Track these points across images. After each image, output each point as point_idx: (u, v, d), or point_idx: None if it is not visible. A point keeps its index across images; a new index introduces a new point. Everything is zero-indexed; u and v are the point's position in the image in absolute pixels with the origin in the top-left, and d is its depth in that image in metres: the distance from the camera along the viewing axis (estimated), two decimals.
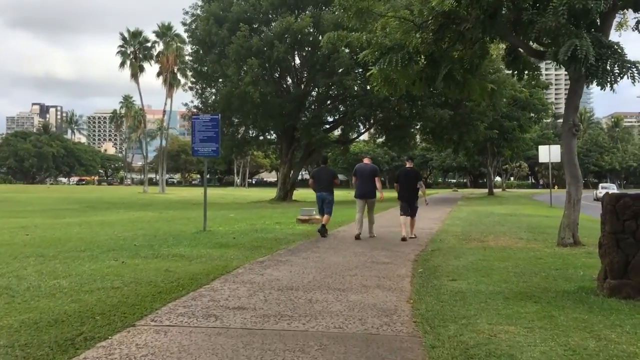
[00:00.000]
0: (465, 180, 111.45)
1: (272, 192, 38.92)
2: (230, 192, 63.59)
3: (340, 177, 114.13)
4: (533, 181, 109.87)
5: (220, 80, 30.70)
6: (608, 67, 8.31)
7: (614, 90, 8.85)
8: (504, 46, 11.97)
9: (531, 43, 10.65)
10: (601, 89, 8.55)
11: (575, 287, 6.47)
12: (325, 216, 12.32)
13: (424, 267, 8.14)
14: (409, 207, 11.86)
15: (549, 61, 11.53)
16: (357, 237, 11.53)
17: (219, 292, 6.31)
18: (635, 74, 8.27)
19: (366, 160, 12.42)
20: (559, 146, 28.22)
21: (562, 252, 9.28)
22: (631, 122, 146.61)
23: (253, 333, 4.60)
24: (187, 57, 34.34)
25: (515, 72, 11.30)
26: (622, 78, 8.37)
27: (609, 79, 8.40)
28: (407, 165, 12.45)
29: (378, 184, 11.94)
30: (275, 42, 27.39)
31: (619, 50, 8.48)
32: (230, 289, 6.44)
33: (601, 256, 6.05)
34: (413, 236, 11.91)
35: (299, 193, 43.05)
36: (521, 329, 4.64)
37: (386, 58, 11.11)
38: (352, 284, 6.79)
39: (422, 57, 11.57)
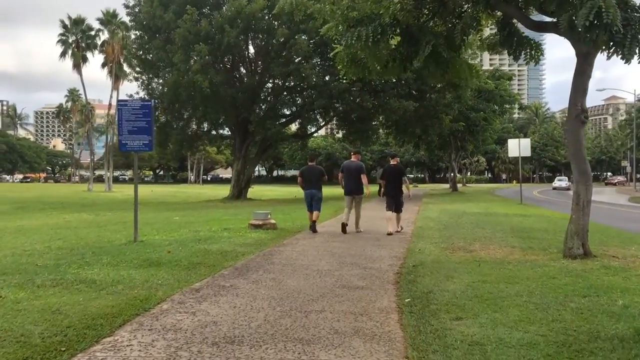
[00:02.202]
0: (423, 176, 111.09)
1: (227, 190, 36.52)
2: (183, 190, 60.68)
3: (296, 172, 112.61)
4: (490, 176, 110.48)
5: (167, 69, 28.06)
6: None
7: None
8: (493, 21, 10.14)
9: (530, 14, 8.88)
10: (625, 62, 6.82)
11: (628, 328, 4.67)
12: (315, 212, 12.52)
13: (410, 293, 6.22)
14: (395, 202, 12.15)
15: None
16: (344, 229, 12.10)
17: (121, 351, 4.22)
18: None
19: (353, 157, 12.72)
20: (529, 140, 27.00)
21: (574, 268, 7.51)
22: None
23: None
24: (130, 44, 31.32)
25: (511, 51, 9.43)
26: None
27: (638, 50, 6.66)
28: (392, 162, 12.60)
29: (364, 180, 12.27)
30: (226, 26, 25.02)
31: None
32: (141, 346, 4.36)
33: None
34: (399, 229, 12.35)
35: (254, 190, 40.82)
36: None
37: (354, 32, 9.15)
38: (320, 329, 4.80)
39: (398, 31, 9.68)
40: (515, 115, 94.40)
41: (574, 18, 6.76)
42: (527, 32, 9.40)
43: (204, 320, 5.10)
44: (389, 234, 11.76)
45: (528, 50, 9.07)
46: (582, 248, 8.14)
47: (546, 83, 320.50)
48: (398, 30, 9.70)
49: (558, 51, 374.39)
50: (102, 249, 9.58)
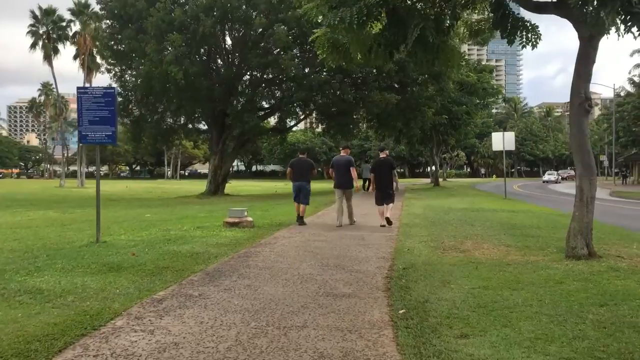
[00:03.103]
0: (402, 170, 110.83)
1: (204, 185, 35.44)
2: (159, 185, 59.31)
3: (276, 167, 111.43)
4: (469, 170, 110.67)
5: (139, 59, 26.84)
6: None
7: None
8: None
9: None
10: None
11: None
12: (302, 206, 12.68)
13: (404, 302, 5.46)
14: (384, 196, 12.23)
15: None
16: (340, 225, 12.25)
17: None
18: None
19: (343, 152, 12.99)
20: (513, 133, 26.49)
21: (581, 270, 6.83)
22: (559, 112, 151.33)
23: None
24: (101, 34, 30.00)
25: (505, 34, 8.67)
26: None
27: None
28: (382, 155, 12.71)
29: (354, 174, 12.48)
30: (201, 15, 23.95)
31: None
32: None
33: None
34: (386, 224, 12.10)
35: (232, 186, 39.88)
36: None
37: (337, 13, 8.34)
38: (302, 352, 4.02)
39: (384, 13, 8.90)
40: (494, 110, 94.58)
41: None
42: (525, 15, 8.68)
43: (163, 341, 4.27)
44: (382, 225, 12.08)
45: (524, 33, 8.34)
46: (587, 248, 7.48)
47: (523, 79, 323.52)
48: (384, 14, 8.94)
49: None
50: (59, 252, 8.67)
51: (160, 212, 18.50)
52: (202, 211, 18.06)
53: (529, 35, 8.39)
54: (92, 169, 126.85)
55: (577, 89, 7.57)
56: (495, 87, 42.24)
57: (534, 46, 8.74)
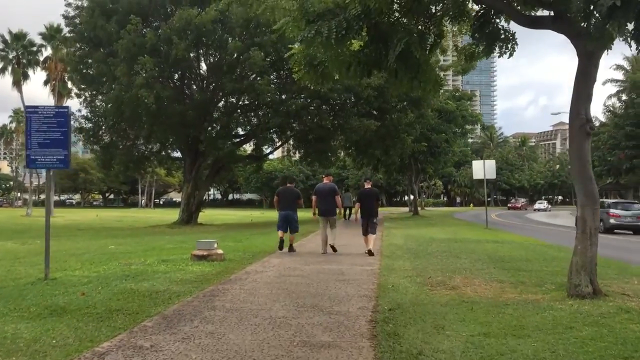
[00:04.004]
0: (379, 199, 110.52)
1: (177, 214, 34.24)
2: (131, 214, 57.66)
3: (252, 196, 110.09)
4: (445, 199, 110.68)
5: (109, 83, 25.87)
6: None
7: None
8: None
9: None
10: None
11: None
12: (292, 235, 12.83)
13: (394, 355, 4.62)
14: (369, 224, 12.26)
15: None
16: (324, 252, 12.42)
17: None
18: None
19: (326, 180, 13.12)
20: (494, 161, 26.06)
21: (588, 312, 6.07)
22: (533, 142, 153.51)
23: None
24: (71, 58, 29.04)
25: (483, 43, 8.06)
26: None
27: None
28: (367, 186, 12.90)
29: (338, 202, 12.58)
30: (174, 38, 23.19)
31: None
32: None
33: None
34: (369, 252, 12.02)
35: (206, 215, 38.71)
36: None
37: (314, 27, 7.66)
38: None
39: (364, 29, 8.24)
40: (470, 140, 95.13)
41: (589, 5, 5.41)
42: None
43: None
44: (367, 252, 12.02)
45: (504, 43, 7.74)
46: (591, 285, 6.74)
47: (498, 106, 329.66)
48: (365, 28, 8.28)
49: (505, 78, 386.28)
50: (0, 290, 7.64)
51: (126, 242, 17.40)
52: (172, 242, 17.01)
53: (508, 45, 7.81)
54: (63, 197, 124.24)
55: (576, 111, 6.93)
56: (474, 114, 42.17)
57: (510, 54, 8.15)
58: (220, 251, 11.03)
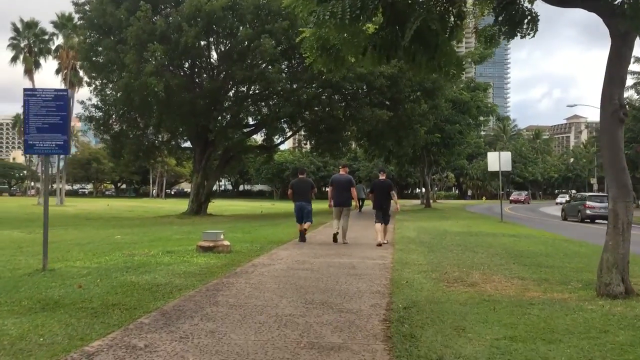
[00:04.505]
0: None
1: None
2: (142, 204, 57.62)
3: (263, 187, 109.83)
4: (457, 192, 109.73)
5: (118, 71, 25.49)
6: None
7: None
8: None
9: None
10: None
11: None
12: (307, 223, 12.89)
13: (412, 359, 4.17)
14: (383, 215, 12.56)
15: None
16: (335, 239, 12.63)
17: None
18: None
19: (342, 171, 13.17)
20: (509, 153, 25.44)
21: (622, 313, 5.58)
22: (547, 134, 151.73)
23: None
24: (81, 45, 28.72)
25: (505, 26, 7.51)
26: None
27: None
28: (381, 177, 13.09)
29: (353, 194, 12.71)
30: (184, 25, 22.76)
31: None
32: None
33: None
34: (386, 242, 12.50)
35: (216, 205, 38.46)
36: None
37: (327, 7, 7.17)
38: None
39: (380, 9, 7.74)
40: (482, 132, 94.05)
41: None
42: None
43: None
44: (379, 244, 12.12)
45: (527, 25, 7.18)
46: (622, 284, 6.23)
47: (511, 98, 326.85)
48: (380, 9, 7.78)
49: (519, 71, 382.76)
50: None
51: (133, 233, 17.08)
52: (179, 232, 16.66)
53: (531, 25, 7.26)
54: (76, 186, 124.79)
55: (609, 95, 6.40)
56: (489, 105, 41.37)
57: (533, 35, 7.61)
58: (226, 242, 10.64)
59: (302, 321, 5.38)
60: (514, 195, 72.25)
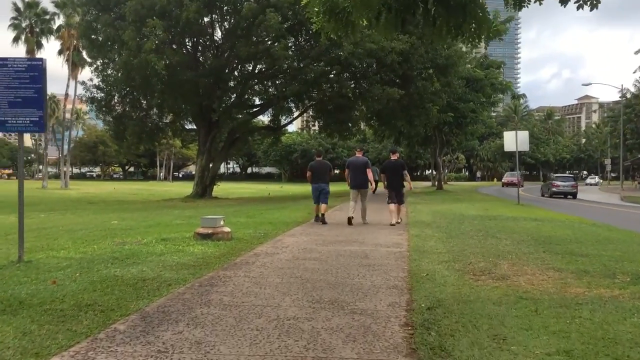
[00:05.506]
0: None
1: None
2: (148, 187, 57.06)
3: (271, 170, 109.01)
4: (467, 173, 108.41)
5: (117, 48, 24.50)
6: None
7: None
8: None
9: None
10: None
11: None
12: (323, 205, 12.91)
13: None
14: (397, 195, 12.70)
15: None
16: (350, 222, 12.37)
17: None
18: None
19: (358, 154, 13.27)
20: (527, 132, 24.36)
21: None
22: (557, 115, 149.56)
23: None
24: (79, 23, 27.75)
25: None
26: None
27: None
28: (393, 157, 13.12)
29: (370, 176, 12.76)
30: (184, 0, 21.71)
31: None
32: None
33: None
34: (399, 221, 12.79)
35: (222, 188, 37.66)
36: None
37: None
38: None
39: None
40: (493, 113, 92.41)
41: None
42: None
43: None
44: (392, 224, 12.31)
45: None
46: None
47: (522, 78, 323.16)
48: None
49: (529, 51, 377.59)
50: None
51: (132, 217, 16.27)
52: (180, 217, 15.82)
53: None
54: (83, 169, 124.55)
55: None
56: (504, 82, 40.02)
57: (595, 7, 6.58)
58: (227, 229, 9.76)
59: (307, 327, 4.49)
60: (507, 177, 64.43)
